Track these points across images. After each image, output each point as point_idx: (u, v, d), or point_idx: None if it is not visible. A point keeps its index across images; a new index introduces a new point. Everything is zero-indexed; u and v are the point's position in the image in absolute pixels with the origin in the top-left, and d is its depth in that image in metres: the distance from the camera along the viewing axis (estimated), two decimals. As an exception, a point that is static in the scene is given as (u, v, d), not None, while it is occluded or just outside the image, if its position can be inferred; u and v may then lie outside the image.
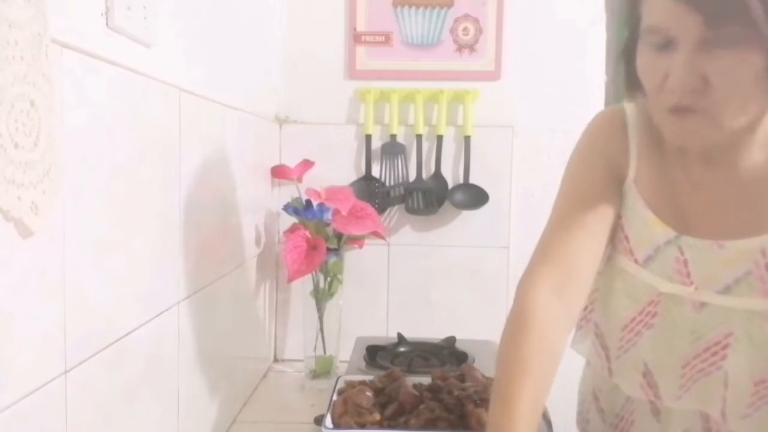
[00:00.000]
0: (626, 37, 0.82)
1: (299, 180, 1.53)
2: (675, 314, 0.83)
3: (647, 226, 0.84)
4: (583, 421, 1.03)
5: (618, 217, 0.88)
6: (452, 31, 1.65)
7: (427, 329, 1.67)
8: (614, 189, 0.87)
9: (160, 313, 0.93)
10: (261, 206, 1.53)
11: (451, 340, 1.54)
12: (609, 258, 0.90)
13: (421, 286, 1.69)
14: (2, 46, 0.53)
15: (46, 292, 0.65)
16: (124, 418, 0.82)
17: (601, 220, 0.86)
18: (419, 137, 1.65)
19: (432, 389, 1.07)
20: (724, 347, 0.80)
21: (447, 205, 1.65)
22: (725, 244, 0.79)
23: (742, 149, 0.79)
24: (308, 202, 1.43)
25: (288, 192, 1.56)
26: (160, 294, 0.94)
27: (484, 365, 1.34)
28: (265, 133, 1.56)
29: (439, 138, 1.65)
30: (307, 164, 1.56)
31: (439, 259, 1.69)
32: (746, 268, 0.78)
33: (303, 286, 1.50)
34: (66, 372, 0.68)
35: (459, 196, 1.65)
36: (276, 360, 1.71)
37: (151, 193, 0.89)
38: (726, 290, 0.79)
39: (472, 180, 1.65)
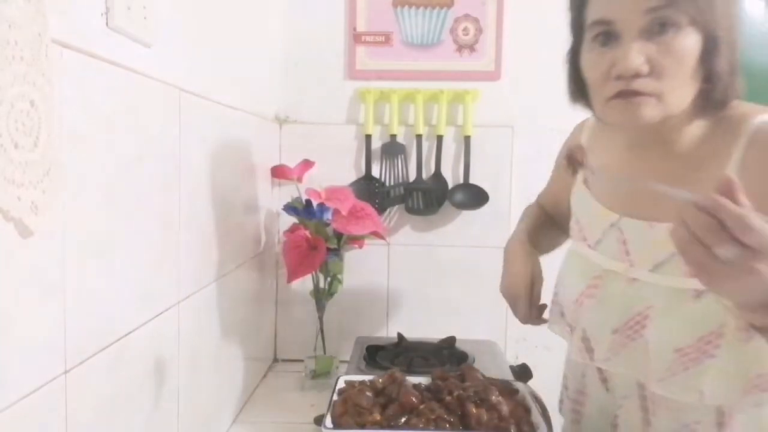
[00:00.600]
0: (571, 43, 0.93)
1: (299, 180, 1.53)
2: (611, 288, 0.94)
3: (595, 215, 0.98)
4: (559, 403, 1.12)
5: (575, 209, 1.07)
6: (452, 31, 1.65)
7: (427, 329, 1.67)
8: (569, 184, 1.08)
9: (160, 313, 0.93)
10: (261, 206, 1.53)
11: (451, 340, 1.54)
12: (570, 246, 1.08)
13: (421, 286, 1.69)
14: (2, 46, 0.53)
15: (46, 292, 0.65)
16: (124, 418, 0.82)
17: (557, 203, 1.16)
18: (419, 137, 1.65)
19: (432, 389, 1.07)
20: (645, 318, 0.89)
21: (447, 205, 1.65)
22: (655, 224, 0.88)
23: (674, 140, 0.88)
24: (308, 202, 1.43)
25: (288, 192, 1.56)
26: (160, 294, 0.94)
27: (484, 365, 1.34)
28: (265, 133, 1.56)
29: (439, 138, 1.65)
30: (307, 164, 1.56)
31: (439, 259, 1.69)
32: (672, 250, 0.83)
33: (303, 286, 1.50)
34: (66, 372, 0.68)
35: (459, 196, 1.65)
36: (276, 360, 1.71)
37: (151, 193, 0.89)
38: (655, 268, 0.88)
39: (472, 180, 1.65)
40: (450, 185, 1.67)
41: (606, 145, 1.01)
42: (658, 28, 0.78)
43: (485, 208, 1.64)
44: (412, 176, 1.66)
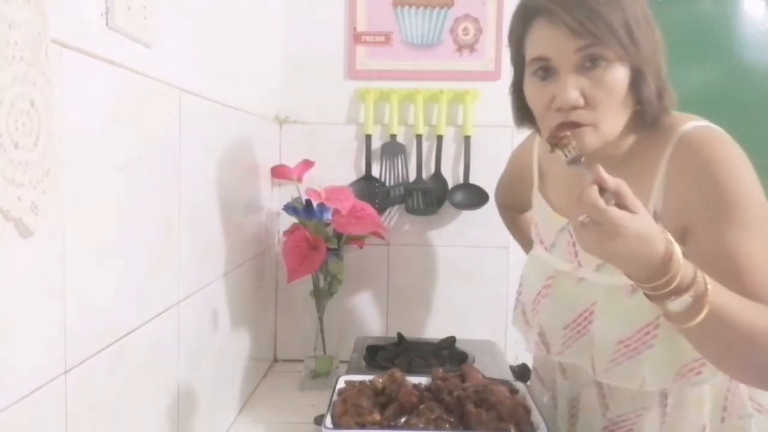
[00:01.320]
0: (513, 75, 0.99)
1: (299, 180, 1.53)
2: (562, 287, 1.04)
3: (549, 219, 1.08)
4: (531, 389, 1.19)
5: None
6: (452, 31, 1.65)
7: (427, 329, 1.67)
8: (527, 190, 1.18)
9: (160, 313, 0.93)
10: (261, 206, 1.53)
11: (451, 340, 1.54)
12: (532, 249, 1.16)
13: (421, 286, 1.69)
14: (2, 46, 0.53)
15: (46, 292, 0.65)
16: (124, 418, 0.82)
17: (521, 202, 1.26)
18: (419, 137, 1.65)
19: (432, 389, 1.07)
20: (591, 313, 0.98)
21: (447, 205, 1.66)
22: None
23: (614, 154, 0.95)
24: (308, 202, 1.43)
25: (288, 192, 1.56)
26: (160, 294, 0.94)
27: (484, 365, 1.34)
28: (265, 133, 1.56)
29: (439, 138, 1.65)
30: (307, 164, 1.56)
31: (439, 259, 1.69)
32: None
33: (303, 286, 1.50)
34: (66, 372, 0.68)
35: (459, 196, 1.65)
36: (276, 360, 1.71)
37: (151, 193, 0.89)
38: (599, 268, 0.98)
39: (472, 180, 1.65)
40: (450, 185, 1.67)
41: (553, 157, 1.04)
42: (589, 63, 0.86)
43: (485, 208, 1.64)
44: (412, 176, 1.66)
